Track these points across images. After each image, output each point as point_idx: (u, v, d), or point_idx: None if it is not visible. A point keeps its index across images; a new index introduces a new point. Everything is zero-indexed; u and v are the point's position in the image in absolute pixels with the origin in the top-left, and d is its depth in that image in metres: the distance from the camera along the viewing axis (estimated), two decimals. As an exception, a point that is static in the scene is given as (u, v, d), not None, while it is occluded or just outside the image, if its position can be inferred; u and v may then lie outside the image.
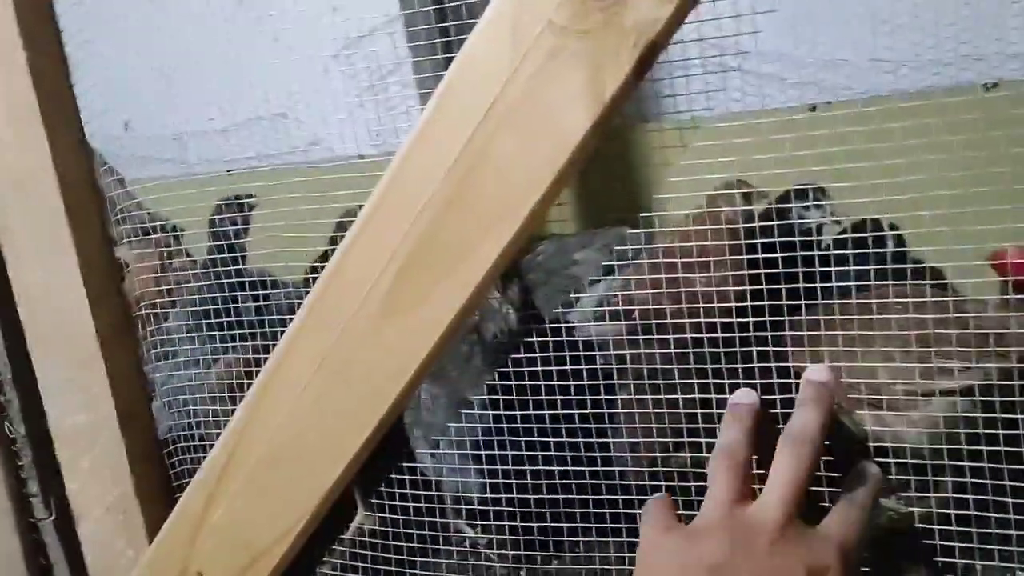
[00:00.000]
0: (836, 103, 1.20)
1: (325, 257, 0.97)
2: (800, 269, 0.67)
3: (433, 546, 0.95)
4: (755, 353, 0.70)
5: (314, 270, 1.04)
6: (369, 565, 0.88)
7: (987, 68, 1.12)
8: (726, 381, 0.72)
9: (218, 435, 0.74)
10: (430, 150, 0.60)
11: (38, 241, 0.75)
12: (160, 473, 0.80)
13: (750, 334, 0.70)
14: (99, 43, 0.84)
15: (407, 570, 0.90)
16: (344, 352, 0.64)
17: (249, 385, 0.70)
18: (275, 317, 0.79)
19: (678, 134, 0.66)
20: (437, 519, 0.95)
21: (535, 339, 0.81)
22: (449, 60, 0.77)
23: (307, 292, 0.66)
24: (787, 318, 0.72)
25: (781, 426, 0.52)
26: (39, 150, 0.73)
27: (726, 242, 0.82)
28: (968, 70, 1.12)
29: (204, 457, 0.76)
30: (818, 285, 0.67)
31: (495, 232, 0.60)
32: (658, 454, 0.80)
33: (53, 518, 0.81)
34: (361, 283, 0.63)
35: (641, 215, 0.76)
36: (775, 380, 0.69)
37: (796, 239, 0.67)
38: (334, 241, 1.08)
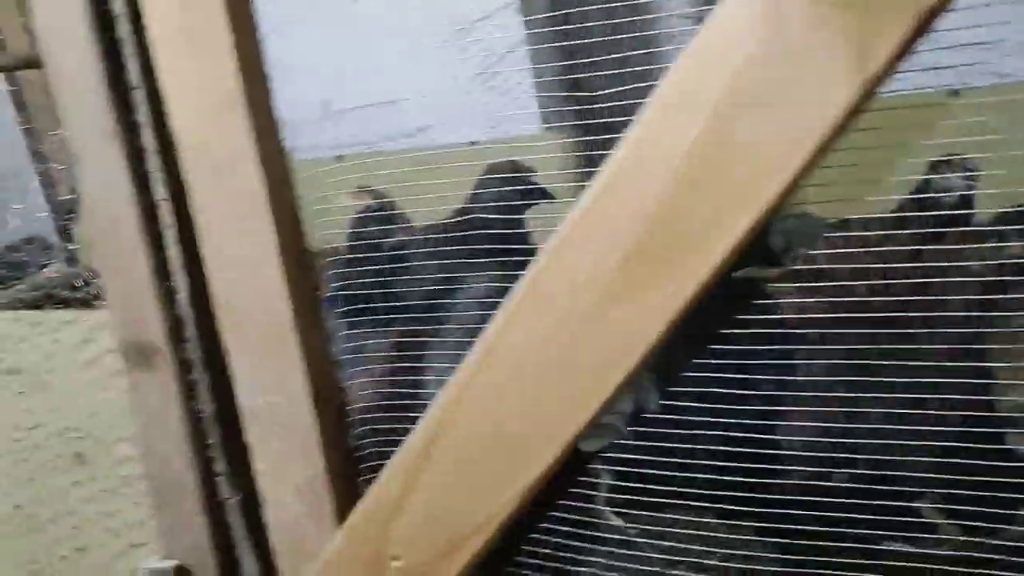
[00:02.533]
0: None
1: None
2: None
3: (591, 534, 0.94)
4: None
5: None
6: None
7: None
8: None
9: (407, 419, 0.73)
10: (665, 131, 0.58)
11: (236, 223, 0.75)
12: (350, 455, 0.80)
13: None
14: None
15: (569, 568, 0.89)
16: (563, 336, 0.63)
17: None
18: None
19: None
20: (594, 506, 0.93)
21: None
22: (565, 45, 0.74)
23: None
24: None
25: None
26: (241, 133, 0.73)
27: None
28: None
29: (393, 439, 0.75)
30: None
31: (732, 218, 0.57)
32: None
33: (239, 498, 0.82)
34: (583, 266, 0.61)
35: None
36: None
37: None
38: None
